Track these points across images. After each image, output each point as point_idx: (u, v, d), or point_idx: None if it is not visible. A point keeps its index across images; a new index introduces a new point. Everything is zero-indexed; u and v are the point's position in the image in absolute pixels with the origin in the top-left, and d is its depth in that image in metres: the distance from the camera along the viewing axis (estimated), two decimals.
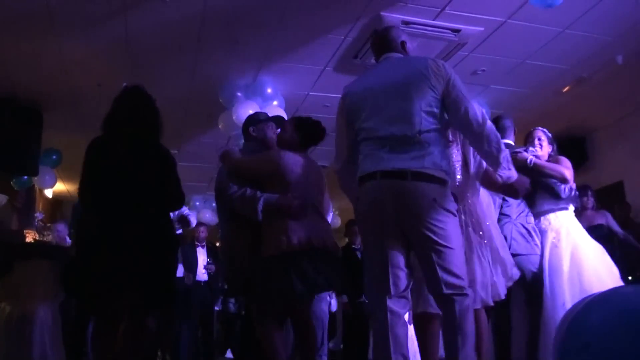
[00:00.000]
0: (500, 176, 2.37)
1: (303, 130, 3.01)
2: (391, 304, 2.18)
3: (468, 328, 2.14)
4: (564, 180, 3.25)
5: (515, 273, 2.76)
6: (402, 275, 2.21)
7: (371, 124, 2.28)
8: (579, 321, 1.24)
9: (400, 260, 2.21)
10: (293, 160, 2.87)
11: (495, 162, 2.31)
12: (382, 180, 2.18)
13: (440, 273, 2.13)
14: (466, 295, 2.15)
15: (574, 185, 3.33)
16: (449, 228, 2.16)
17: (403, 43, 2.47)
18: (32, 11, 4.05)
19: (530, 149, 3.36)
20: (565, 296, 3.03)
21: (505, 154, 2.31)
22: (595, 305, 1.26)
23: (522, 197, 2.82)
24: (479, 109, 2.26)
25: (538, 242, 3.24)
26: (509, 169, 2.35)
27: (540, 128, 3.51)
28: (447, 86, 2.23)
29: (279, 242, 2.70)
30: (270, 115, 3.48)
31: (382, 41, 2.50)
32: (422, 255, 2.19)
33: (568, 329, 1.27)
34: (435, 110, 2.23)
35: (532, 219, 3.31)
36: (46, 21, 4.17)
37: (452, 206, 2.22)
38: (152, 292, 2.63)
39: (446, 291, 2.13)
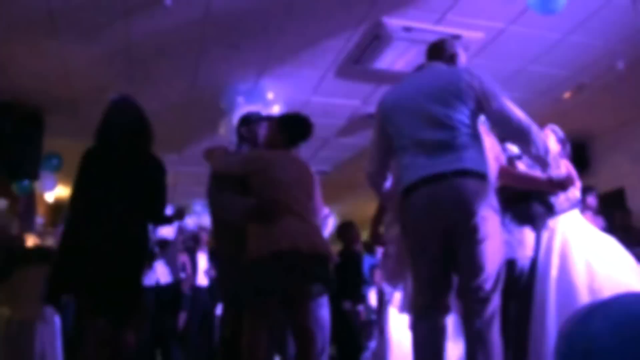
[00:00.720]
0: (551, 176, 2.53)
1: (287, 128, 2.95)
2: (431, 314, 2.22)
3: (492, 341, 2.11)
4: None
5: None
6: (443, 286, 2.24)
7: (406, 131, 2.31)
8: (581, 327, 1.23)
9: (442, 271, 2.23)
10: (273, 161, 2.84)
11: (544, 164, 2.40)
12: (424, 189, 2.19)
13: (473, 274, 2.14)
14: (489, 303, 2.14)
15: (577, 185, 3.14)
16: (489, 225, 2.16)
17: (453, 56, 2.51)
18: (34, 16, 4.06)
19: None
20: (550, 305, 2.93)
21: (553, 154, 2.47)
22: (598, 312, 1.25)
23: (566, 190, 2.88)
24: (522, 116, 2.29)
25: (530, 246, 3.15)
26: (558, 167, 2.52)
27: (551, 126, 3.37)
28: (485, 98, 2.25)
29: (252, 247, 2.68)
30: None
31: (433, 50, 2.56)
32: (460, 255, 2.19)
33: (569, 334, 1.27)
34: (467, 120, 2.24)
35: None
36: (48, 26, 4.18)
37: (495, 203, 2.23)
38: (112, 300, 2.69)
39: (472, 295, 2.14)
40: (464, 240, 2.16)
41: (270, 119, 3.27)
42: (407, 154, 2.28)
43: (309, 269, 2.70)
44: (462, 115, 2.22)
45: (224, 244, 2.96)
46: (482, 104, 2.24)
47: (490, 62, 4.86)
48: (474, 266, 2.14)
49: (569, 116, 5.96)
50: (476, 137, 2.28)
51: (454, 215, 2.15)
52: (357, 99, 5.62)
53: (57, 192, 7.12)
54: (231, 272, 2.83)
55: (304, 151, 3.12)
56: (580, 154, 6.73)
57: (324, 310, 4.93)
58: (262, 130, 3.13)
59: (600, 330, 1.16)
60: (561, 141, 3.35)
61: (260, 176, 2.79)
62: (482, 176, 2.20)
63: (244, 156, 2.96)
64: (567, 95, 5.62)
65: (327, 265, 2.79)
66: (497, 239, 2.20)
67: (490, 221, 2.16)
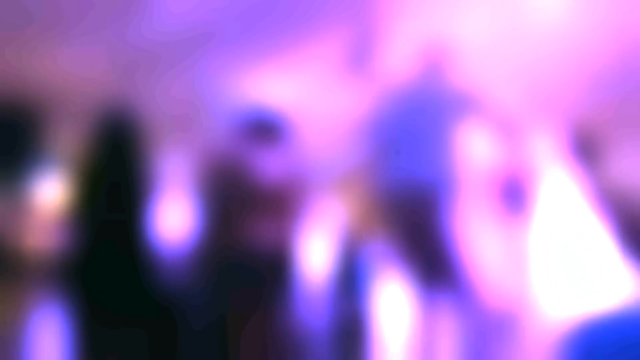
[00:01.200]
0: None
1: (247, 129, 2.98)
2: (422, 309, 2.26)
3: (485, 332, 2.12)
4: None
5: None
6: (431, 283, 2.27)
7: (385, 136, 2.39)
8: (588, 338, 1.21)
9: (427, 270, 2.26)
10: (238, 161, 2.87)
11: (536, 163, 2.59)
12: (394, 194, 2.25)
13: (452, 273, 2.19)
14: (479, 312, 2.15)
15: (571, 182, 3.24)
16: (454, 229, 2.19)
17: (449, 58, 2.57)
18: (31, 18, 4.06)
19: None
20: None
21: (550, 152, 2.69)
22: (601, 325, 1.23)
23: None
24: (510, 118, 2.40)
25: None
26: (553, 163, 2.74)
27: (549, 125, 3.40)
28: (469, 106, 2.33)
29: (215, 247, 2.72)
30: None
31: (426, 53, 2.62)
32: (435, 256, 2.22)
33: (575, 346, 1.24)
34: (446, 128, 2.28)
35: None
36: (47, 27, 4.18)
37: (473, 207, 2.24)
38: (122, 298, 2.76)
39: (457, 303, 2.17)
40: (432, 246, 2.21)
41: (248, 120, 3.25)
42: (382, 156, 2.36)
43: (255, 270, 2.67)
44: (439, 123, 2.24)
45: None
46: (466, 112, 2.27)
47: (490, 62, 4.86)
48: (451, 265, 2.18)
49: (571, 115, 5.96)
50: (451, 144, 2.29)
51: (416, 227, 2.20)
52: (356, 99, 5.61)
53: (57, 194, 7.11)
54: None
55: (302, 152, 3.11)
56: (584, 151, 6.70)
57: (307, 314, 4.86)
58: (243, 133, 3.14)
59: (608, 342, 1.14)
60: (562, 140, 3.35)
61: (227, 177, 2.82)
62: (442, 183, 2.21)
63: (214, 159, 3.01)
64: (569, 94, 5.61)
65: (278, 267, 2.73)
66: (468, 239, 2.21)
67: (456, 225, 2.18)
